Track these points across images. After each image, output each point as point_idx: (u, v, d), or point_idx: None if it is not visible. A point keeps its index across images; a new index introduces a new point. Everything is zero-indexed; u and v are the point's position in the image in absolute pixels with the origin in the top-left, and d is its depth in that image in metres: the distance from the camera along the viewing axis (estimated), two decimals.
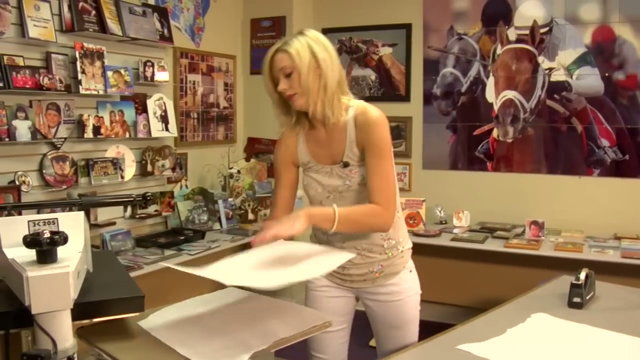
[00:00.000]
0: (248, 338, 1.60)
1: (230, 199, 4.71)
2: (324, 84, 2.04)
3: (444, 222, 4.75)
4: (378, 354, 2.33)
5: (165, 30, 4.27)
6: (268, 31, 5.15)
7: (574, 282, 2.33)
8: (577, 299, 2.31)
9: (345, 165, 2.12)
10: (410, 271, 2.28)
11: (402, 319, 2.24)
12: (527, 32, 4.52)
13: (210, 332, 1.68)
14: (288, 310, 1.85)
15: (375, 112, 2.10)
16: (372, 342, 2.29)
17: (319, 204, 2.19)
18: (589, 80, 4.38)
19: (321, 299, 2.28)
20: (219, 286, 2.15)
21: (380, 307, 2.25)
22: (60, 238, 1.33)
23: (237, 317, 1.79)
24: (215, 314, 1.82)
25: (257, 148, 5.27)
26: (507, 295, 2.56)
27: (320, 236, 2.27)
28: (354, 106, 2.13)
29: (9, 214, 1.55)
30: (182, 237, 4.11)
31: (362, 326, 2.44)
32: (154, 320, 1.72)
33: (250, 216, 4.73)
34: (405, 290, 2.24)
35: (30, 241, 1.31)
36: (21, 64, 3.34)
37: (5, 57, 3.25)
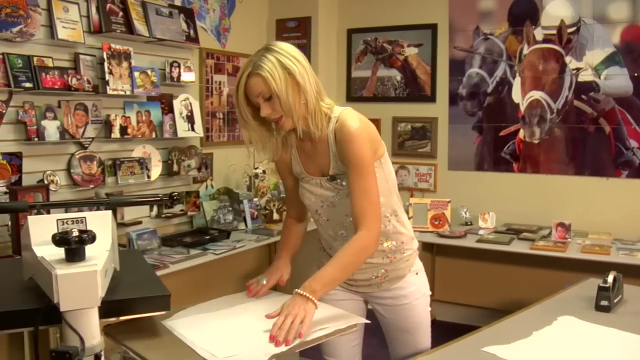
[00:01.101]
0: (268, 340, 1.61)
1: (255, 199, 4.72)
2: (304, 100, 1.97)
3: (469, 223, 4.72)
4: (391, 359, 2.31)
5: (192, 31, 4.29)
6: (293, 32, 5.16)
7: (601, 285, 2.31)
8: (604, 302, 2.28)
9: (332, 178, 2.06)
10: (417, 273, 2.24)
11: (411, 322, 2.22)
12: (554, 32, 4.48)
13: (231, 332, 1.68)
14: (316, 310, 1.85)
15: (353, 124, 1.98)
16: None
17: (315, 212, 2.17)
18: (618, 80, 4.32)
19: (330, 302, 2.24)
20: (243, 286, 2.17)
21: (388, 312, 2.23)
22: (88, 237, 1.35)
23: (261, 318, 1.80)
24: (239, 315, 1.83)
25: None
26: (533, 298, 2.54)
27: (325, 245, 2.28)
28: (336, 115, 2.04)
29: (38, 213, 1.57)
30: (207, 237, 4.12)
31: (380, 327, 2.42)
32: (177, 320, 1.73)
33: (275, 216, 4.74)
34: (412, 294, 2.21)
35: (59, 239, 1.33)
36: (50, 65, 3.38)
37: (35, 58, 3.30)
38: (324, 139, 2.04)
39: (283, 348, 1.57)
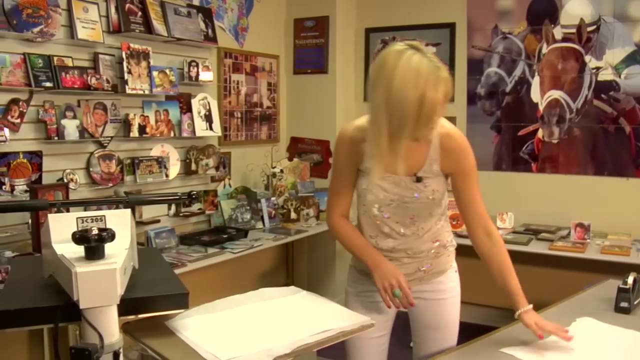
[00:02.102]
0: (273, 341, 1.60)
1: (273, 198, 4.73)
2: None
3: None
4: (414, 357, 2.30)
5: (210, 31, 4.31)
6: (311, 31, 5.16)
7: (621, 286, 2.29)
8: (624, 304, 2.27)
9: (419, 179, 2.05)
10: (456, 271, 2.27)
11: (443, 319, 2.22)
12: (574, 30, 4.44)
13: (235, 333, 1.68)
14: (324, 310, 1.84)
15: (462, 137, 2.09)
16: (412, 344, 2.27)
17: (377, 208, 2.11)
18: (638, 79, 4.28)
19: (364, 304, 2.22)
20: (263, 284, 2.17)
21: (423, 306, 2.21)
22: (107, 235, 1.36)
23: (267, 319, 1.79)
24: (243, 315, 1.82)
25: (300, 148, 5.29)
26: (552, 299, 2.52)
27: (367, 240, 2.21)
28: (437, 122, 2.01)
29: (58, 211, 1.59)
30: (225, 236, 4.14)
31: (402, 327, 2.41)
32: (180, 321, 1.73)
33: (293, 215, 4.74)
34: (449, 290, 2.22)
35: (79, 237, 1.34)
36: (70, 64, 3.41)
37: (55, 58, 3.33)
38: (425, 142, 2.03)
39: (286, 350, 1.56)
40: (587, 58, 4.41)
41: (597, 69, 4.38)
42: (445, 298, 2.21)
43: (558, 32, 4.50)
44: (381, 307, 2.17)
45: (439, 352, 2.12)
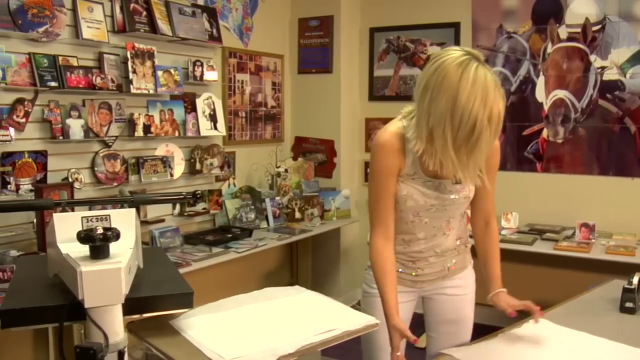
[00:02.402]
0: (277, 341, 1.60)
1: (277, 198, 4.74)
2: None
3: None
4: (428, 354, 2.31)
5: (214, 30, 4.32)
6: (316, 31, 5.16)
7: (626, 286, 2.28)
8: (629, 304, 2.26)
9: (458, 181, 2.04)
10: (472, 267, 2.31)
11: (462, 314, 2.25)
12: (579, 30, 4.43)
13: (239, 333, 1.68)
14: (328, 310, 1.84)
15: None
16: (420, 344, 2.26)
17: (415, 214, 2.11)
18: None
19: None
20: (267, 284, 2.17)
21: (443, 301, 2.24)
22: (112, 234, 1.36)
23: (271, 318, 1.79)
24: (247, 315, 1.82)
25: (304, 147, 5.29)
26: (556, 299, 2.52)
27: (399, 246, 2.18)
28: None
29: (63, 210, 1.59)
30: (229, 235, 4.14)
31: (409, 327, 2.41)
32: (184, 320, 1.73)
33: (297, 215, 4.75)
34: (469, 285, 2.27)
35: (84, 237, 1.34)
36: (75, 64, 3.42)
37: (60, 58, 3.34)
38: None
39: (291, 350, 1.56)
40: (592, 57, 4.40)
41: (602, 68, 4.37)
42: (465, 294, 2.26)
43: (563, 32, 4.50)
44: (401, 308, 2.18)
45: (455, 347, 2.13)
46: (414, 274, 2.18)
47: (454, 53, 1.81)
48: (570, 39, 4.48)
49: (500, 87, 1.80)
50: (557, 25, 4.51)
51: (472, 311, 2.29)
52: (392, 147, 2.02)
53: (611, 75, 4.36)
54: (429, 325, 2.31)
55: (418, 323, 2.32)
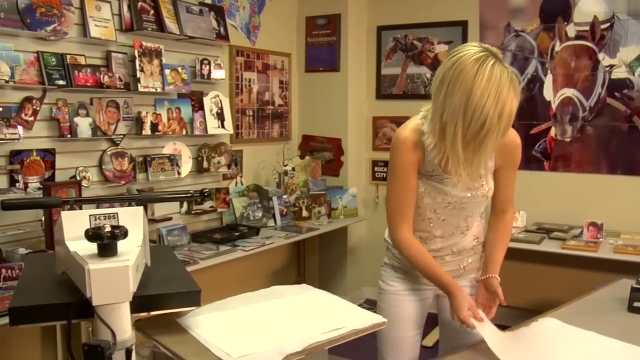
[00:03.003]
0: (285, 339, 1.60)
1: (284, 196, 4.74)
2: None
3: None
4: (440, 352, 2.31)
5: (222, 29, 4.32)
6: (323, 29, 5.16)
7: (634, 285, 2.28)
8: (637, 304, 2.25)
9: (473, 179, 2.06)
10: None
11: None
12: (587, 28, 4.41)
13: (246, 331, 1.68)
14: (335, 308, 1.84)
15: (515, 131, 2.08)
16: (426, 342, 2.27)
17: (432, 211, 2.11)
18: None
19: (402, 303, 2.23)
20: (274, 282, 2.17)
21: None
22: (120, 232, 1.37)
23: (278, 316, 1.79)
24: (254, 313, 1.82)
25: (311, 145, 5.29)
26: (564, 298, 2.51)
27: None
28: None
29: (71, 208, 1.60)
30: (236, 233, 4.15)
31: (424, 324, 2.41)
32: (191, 318, 1.73)
33: (305, 213, 4.75)
34: None
35: (92, 235, 1.35)
36: (83, 62, 3.43)
37: (68, 57, 3.35)
38: None
39: (298, 348, 1.56)
40: (600, 56, 4.39)
41: (611, 66, 4.35)
42: None
43: (571, 30, 4.48)
44: (418, 305, 2.19)
45: (467, 345, 2.13)
46: None
47: (472, 49, 1.82)
48: (578, 37, 4.46)
49: (517, 86, 1.80)
50: (565, 23, 4.49)
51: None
52: (412, 143, 2.02)
53: (620, 73, 4.34)
54: (442, 322, 2.31)
55: (427, 322, 2.32)
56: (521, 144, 2.15)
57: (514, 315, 4.16)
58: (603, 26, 4.36)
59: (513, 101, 1.79)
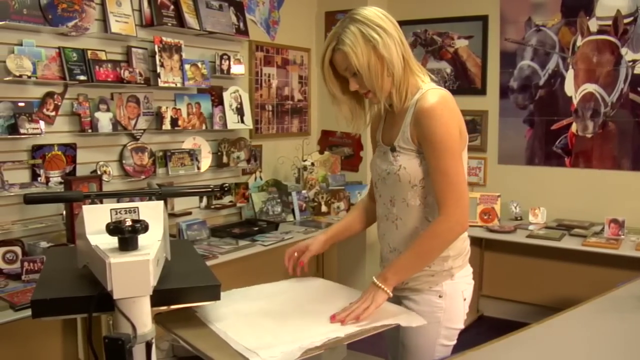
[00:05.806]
0: (304, 334, 1.60)
1: (303, 191, 4.74)
2: (390, 73, 1.82)
3: (519, 218, 4.65)
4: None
5: (241, 24, 4.33)
6: None
7: None
8: None
9: (393, 149, 1.92)
10: (440, 297, 2.00)
11: (405, 340, 2.05)
12: (610, 22, 4.36)
13: (265, 325, 1.68)
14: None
15: (432, 99, 1.81)
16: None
17: (375, 186, 2.08)
18: None
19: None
20: (291, 277, 2.17)
21: None
22: (141, 226, 1.37)
23: (298, 311, 1.79)
24: (273, 307, 1.82)
25: (330, 141, 5.29)
26: (585, 296, 2.49)
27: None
28: (422, 89, 1.87)
29: (93, 202, 1.61)
30: (256, 228, 4.16)
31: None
32: (211, 312, 1.73)
33: (324, 208, 4.75)
34: (428, 315, 2.01)
35: (113, 229, 1.36)
36: (103, 58, 3.45)
37: (89, 52, 3.37)
38: (405, 109, 1.89)
39: (318, 343, 1.56)
40: (623, 50, 4.33)
41: (634, 61, 4.30)
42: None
43: (593, 24, 4.43)
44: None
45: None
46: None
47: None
48: (600, 31, 4.41)
49: (335, 40, 1.86)
50: (588, 17, 4.44)
51: (425, 344, 1.96)
52: (374, 116, 2.11)
53: None
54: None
55: None
56: (437, 116, 1.80)
57: (534, 313, 4.15)
58: (626, 20, 4.31)
59: (325, 55, 1.87)
